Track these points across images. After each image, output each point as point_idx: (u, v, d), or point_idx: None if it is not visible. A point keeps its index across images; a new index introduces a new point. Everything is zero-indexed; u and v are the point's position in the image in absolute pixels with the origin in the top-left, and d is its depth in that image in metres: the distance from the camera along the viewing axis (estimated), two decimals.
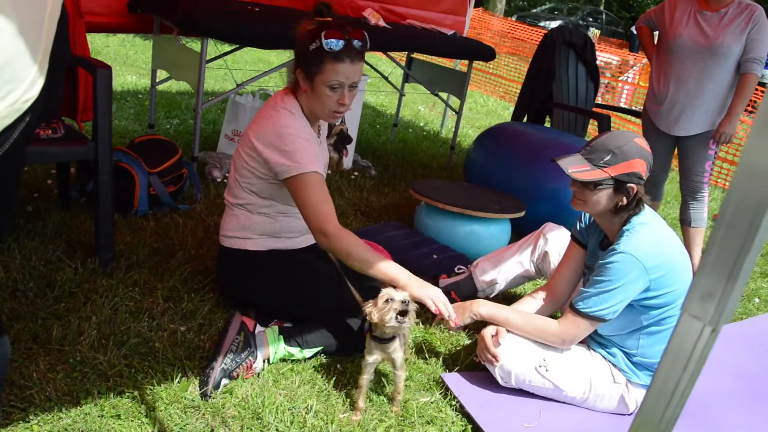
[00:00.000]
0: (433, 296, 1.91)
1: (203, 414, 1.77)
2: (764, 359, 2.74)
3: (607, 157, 1.91)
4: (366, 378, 1.88)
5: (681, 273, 1.94)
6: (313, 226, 2.00)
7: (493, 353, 2.05)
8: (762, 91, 6.52)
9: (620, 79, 9.24)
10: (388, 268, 1.95)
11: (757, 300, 3.44)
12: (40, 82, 1.13)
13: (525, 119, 4.54)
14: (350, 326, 2.12)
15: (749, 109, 5.81)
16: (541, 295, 2.27)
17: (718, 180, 6.30)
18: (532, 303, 2.25)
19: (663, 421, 0.73)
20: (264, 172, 2.09)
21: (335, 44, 1.97)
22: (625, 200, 1.95)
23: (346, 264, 1.99)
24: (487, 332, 2.09)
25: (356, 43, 2.01)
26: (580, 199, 2.00)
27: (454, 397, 2.05)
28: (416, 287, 1.91)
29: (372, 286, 2.11)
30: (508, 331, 2.09)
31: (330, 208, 2.01)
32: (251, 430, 1.74)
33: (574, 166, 1.93)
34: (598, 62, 9.19)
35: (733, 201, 0.65)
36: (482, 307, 2.12)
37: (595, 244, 2.17)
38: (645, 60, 8.64)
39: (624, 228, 1.97)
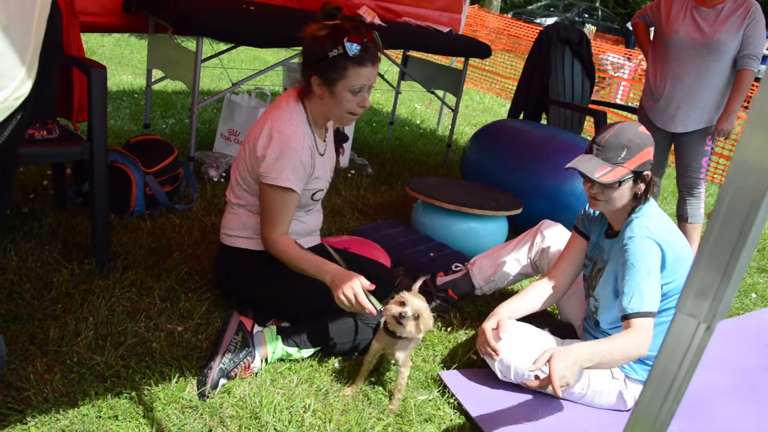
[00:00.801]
0: (346, 295, 1.87)
1: (201, 414, 1.76)
2: (761, 354, 2.74)
3: (624, 153, 1.92)
4: (368, 359, 1.99)
5: (686, 262, 1.96)
6: (261, 230, 2.11)
7: (493, 347, 2.05)
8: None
9: (616, 75, 9.25)
10: (316, 269, 2.00)
11: (754, 295, 3.45)
12: (30, 80, 1.13)
13: (521, 116, 4.54)
14: (348, 326, 2.12)
15: (746, 104, 5.82)
16: (541, 287, 2.27)
17: (715, 176, 6.32)
18: (532, 295, 2.24)
19: (659, 417, 0.74)
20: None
21: (357, 49, 1.95)
22: (642, 187, 1.99)
23: (284, 264, 2.08)
24: (488, 326, 2.09)
25: (373, 44, 2.01)
26: (601, 199, 2.00)
27: (452, 395, 2.05)
28: (336, 290, 1.90)
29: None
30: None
31: (283, 221, 2.08)
32: (249, 429, 1.74)
33: (597, 170, 1.93)
34: (608, 63, 9.15)
35: (728, 197, 0.65)
36: (586, 361, 1.81)
37: (599, 235, 2.18)
38: (641, 56, 8.64)
39: (632, 215, 2.00)
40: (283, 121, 2.05)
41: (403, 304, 1.88)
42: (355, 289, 1.87)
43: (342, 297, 1.88)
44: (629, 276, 1.90)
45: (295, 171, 2.02)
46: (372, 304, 1.88)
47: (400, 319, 1.86)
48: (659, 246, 1.90)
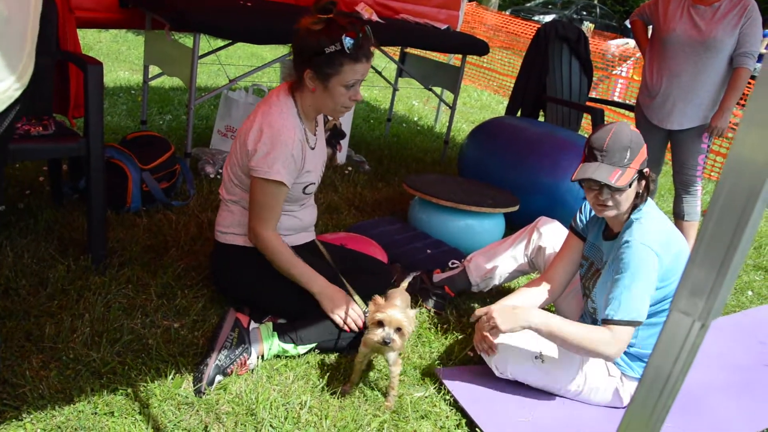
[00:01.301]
0: (339, 313, 2.09)
1: (197, 410, 1.76)
2: (757, 352, 2.75)
3: (628, 154, 1.93)
4: (358, 360, 1.96)
5: (684, 263, 1.96)
6: (251, 224, 2.13)
7: (490, 343, 2.05)
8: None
9: (614, 72, 9.24)
10: (304, 277, 2.12)
11: (750, 293, 3.46)
12: (28, 74, 1.16)
13: (519, 113, 4.54)
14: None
15: (742, 102, 5.83)
16: (538, 286, 2.27)
17: (712, 174, 6.32)
18: (528, 294, 2.25)
19: (654, 415, 0.74)
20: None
21: (354, 45, 1.96)
22: (644, 184, 2.00)
23: (272, 264, 2.13)
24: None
25: (367, 40, 2.01)
26: (610, 204, 1.98)
27: (448, 392, 2.05)
28: (326, 303, 2.10)
29: (364, 282, 2.13)
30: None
31: (273, 217, 2.11)
32: (245, 426, 1.74)
33: (610, 176, 1.92)
34: (614, 50, 9.06)
35: (723, 195, 0.65)
36: (536, 317, 1.95)
37: (596, 235, 2.18)
38: (639, 54, 8.64)
39: (632, 217, 2.00)
40: (274, 115, 2.05)
41: (381, 323, 1.84)
42: (345, 309, 2.04)
43: (333, 316, 2.08)
44: (616, 283, 1.91)
45: (285, 164, 2.03)
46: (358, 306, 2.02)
47: (386, 343, 1.83)
48: (655, 253, 1.89)
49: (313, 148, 2.19)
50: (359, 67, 2.00)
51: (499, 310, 1.98)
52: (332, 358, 2.12)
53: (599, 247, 2.15)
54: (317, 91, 2.05)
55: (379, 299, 1.92)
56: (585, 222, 2.26)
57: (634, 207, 2.01)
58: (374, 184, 4.04)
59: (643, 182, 2.00)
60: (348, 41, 1.94)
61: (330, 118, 3.97)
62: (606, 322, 1.90)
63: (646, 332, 2.05)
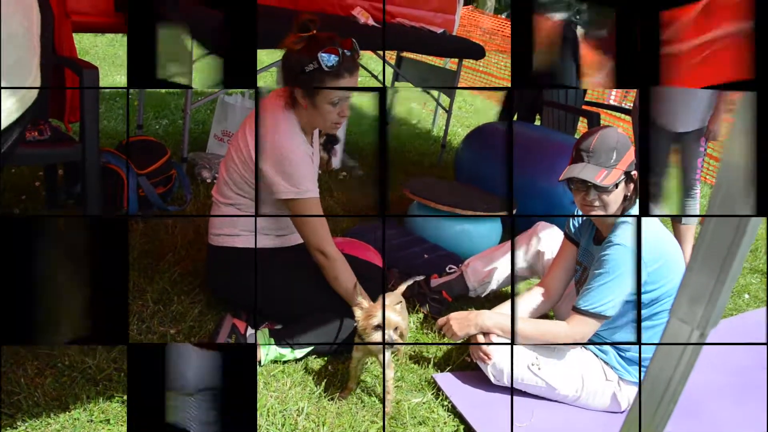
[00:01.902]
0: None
1: None
2: (754, 354, 2.74)
3: (614, 155, 1.94)
4: (353, 366, 1.96)
5: (675, 265, 1.97)
6: (313, 245, 2.11)
7: (485, 351, 2.05)
8: None
9: None
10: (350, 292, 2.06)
11: (747, 296, 3.46)
12: (38, 81, 1.21)
13: (515, 117, 4.54)
14: (341, 325, 2.12)
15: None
16: (534, 293, 2.27)
17: (707, 177, 6.33)
18: (525, 302, 2.25)
19: (655, 421, 0.73)
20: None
21: (334, 62, 1.96)
22: (632, 187, 2.01)
23: (331, 286, 2.12)
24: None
25: (350, 53, 2.01)
26: (598, 205, 1.99)
27: (446, 398, 2.04)
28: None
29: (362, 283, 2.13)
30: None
31: (325, 229, 2.11)
32: None
33: (596, 175, 1.93)
34: None
35: (719, 200, 0.65)
36: (487, 319, 2.09)
37: (588, 240, 2.18)
38: None
39: (618, 220, 2.00)
40: (284, 134, 2.06)
41: (378, 327, 1.82)
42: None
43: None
44: (593, 278, 1.96)
45: (309, 178, 2.08)
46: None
47: (390, 345, 1.82)
48: (642, 259, 1.91)
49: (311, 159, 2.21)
50: (342, 83, 2.00)
51: (454, 317, 2.13)
52: (329, 364, 2.11)
53: (591, 252, 2.15)
54: (308, 109, 2.07)
55: (364, 303, 1.91)
56: (577, 227, 2.26)
57: (623, 210, 2.01)
58: (370, 188, 4.03)
59: (631, 185, 2.01)
60: (326, 58, 1.94)
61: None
62: (573, 310, 2.00)
63: (643, 335, 2.04)
